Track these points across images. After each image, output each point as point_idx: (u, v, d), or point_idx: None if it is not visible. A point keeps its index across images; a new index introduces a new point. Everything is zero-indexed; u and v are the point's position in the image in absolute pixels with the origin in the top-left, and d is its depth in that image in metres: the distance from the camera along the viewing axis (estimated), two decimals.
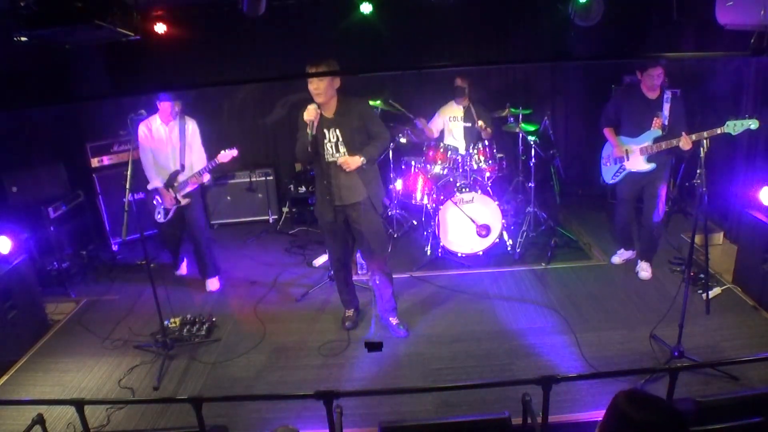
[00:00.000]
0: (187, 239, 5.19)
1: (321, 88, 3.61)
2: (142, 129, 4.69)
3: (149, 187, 4.85)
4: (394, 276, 4.28)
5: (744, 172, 5.09)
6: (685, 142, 4.05)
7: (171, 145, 4.76)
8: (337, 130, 3.74)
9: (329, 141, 3.76)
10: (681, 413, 1.56)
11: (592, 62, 6.49)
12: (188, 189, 4.81)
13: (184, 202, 4.82)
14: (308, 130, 3.63)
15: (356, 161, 3.71)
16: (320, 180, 3.91)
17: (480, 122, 5.41)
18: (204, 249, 5.01)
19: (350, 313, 4.38)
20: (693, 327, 3.88)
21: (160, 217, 4.94)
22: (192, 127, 4.82)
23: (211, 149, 4.94)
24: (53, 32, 3.23)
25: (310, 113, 3.63)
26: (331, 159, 3.78)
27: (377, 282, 4.14)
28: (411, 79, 6.54)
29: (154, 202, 4.91)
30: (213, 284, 5.14)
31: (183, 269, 5.50)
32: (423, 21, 6.23)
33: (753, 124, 3.87)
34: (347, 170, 3.73)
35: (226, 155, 4.64)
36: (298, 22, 6.22)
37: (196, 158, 4.85)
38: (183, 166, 4.78)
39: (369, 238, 3.96)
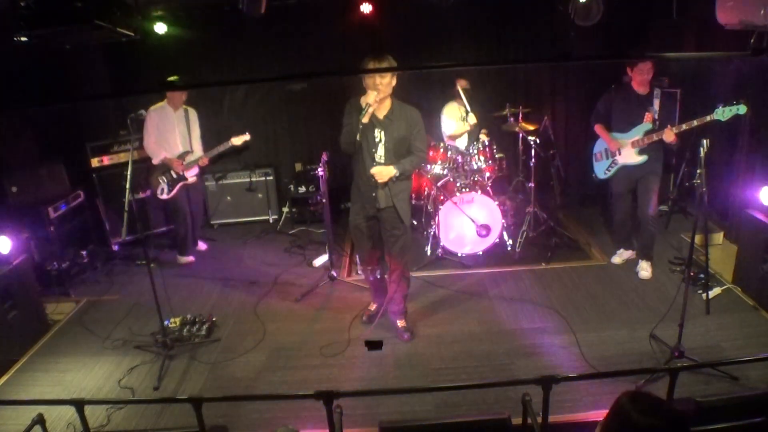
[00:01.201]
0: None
1: (384, 82, 3.57)
2: (153, 115, 5.15)
3: (155, 161, 5.25)
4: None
5: (744, 172, 5.09)
6: (667, 134, 4.26)
7: (180, 129, 5.31)
8: (383, 133, 3.71)
9: (374, 140, 3.75)
10: (684, 417, 1.56)
11: (592, 62, 6.49)
12: (195, 171, 5.44)
13: (192, 180, 5.41)
14: (362, 114, 3.53)
15: (389, 172, 3.69)
16: (359, 177, 3.88)
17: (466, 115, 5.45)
18: (198, 220, 5.87)
19: (373, 307, 4.40)
20: (693, 327, 3.88)
21: (163, 194, 5.27)
22: (193, 115, 5.44)
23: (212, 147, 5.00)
24: (53, 32, 3.23)
25: (369, 97, 3.53)
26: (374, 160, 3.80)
27: (393, 283, 4.13)
28: (411, 79, 6.54)
29: (160, 179, 5.24)
30: (203, 245, 6.05)
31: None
32: (423, 21, 6.23)
33: (741, 109, 3.91)
34: (379, 181, 3.71)
35: (239, 138, 5.24)
36: (298, 22, 6.21)
37: (198, 143, 5.49)
38: (192, 148, 5.37)
39: (392, 242, 3.98)
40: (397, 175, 3.71)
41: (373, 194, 3.81)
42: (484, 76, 6.26)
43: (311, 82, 6.41)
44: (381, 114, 3.72)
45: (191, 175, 5.39)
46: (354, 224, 4.04)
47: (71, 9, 3.04)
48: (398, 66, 3.32)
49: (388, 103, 3.72)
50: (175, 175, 5.29)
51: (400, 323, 4.20)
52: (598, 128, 4.79)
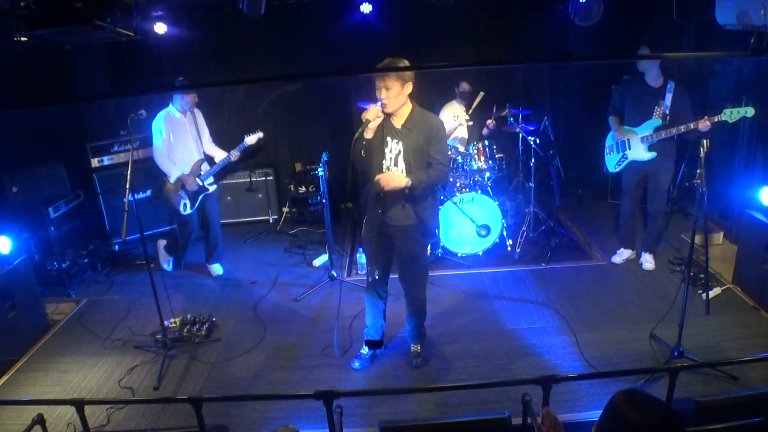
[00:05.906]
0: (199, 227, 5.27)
1: (388, 97, 3.22)
2: (164, 123, 4.76)
3: (171, 180, 4.85)
4: (394, 276, 3.90)
5: (744, 172, 5.09)
6: (703, 124, 4.13)
7: (192, 135, 4.95)
8: (401, 143, 3.35)
9: (390, 152, 3.38)
10: (678, 416, 1.56)
11: (592, 62, 6.49)
12: (211, 178, 5.07)
13: (212, 189, 5.06)
14: (361, 129, 3.27)
15: (399, 181, 3.29)
16: (373, 190, 3.50)
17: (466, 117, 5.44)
18: (218, 235, 5.30)
19: (365, 350, 3.87)
20: (693, 327, 3.88)
21: (186, 209, 4.94)
22: (200, 116, 5.06)
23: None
24: (53, 32, 3.23)
25: (370, 113, 3.23)
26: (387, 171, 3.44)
27: (406, 307, 3.82)
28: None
29: (180, 194, 4.89)
30: (218, 269, 5.38)
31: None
32: (423, 21, 6.23)
33: (749, 111, 3.91)
34: (384, 189, 3.31)
35: (253, 138, 4.92)
36: (298, 22, 6.22)
37: (210, 146, 5.14)
38: (204, 155, 5.04)
39: (406, 264, 3.64)
40: (410, 185, 3.29)
41: (380, 210, 3.47)
42: (484, 76, 6.25)
43: (311, 82, 6.41)
44: (398, 123, 3.36)
45: (211, 184, 5.04)
46: (365, 239, 3.74)
47: (71, 9, 3.04)
48: (396, 66, 3.24)
49: (406, 110, 3.35)
50: (196, 187, 4.91)
51: (414, 347, 3.84)
52: (612, 119, 4.77)
